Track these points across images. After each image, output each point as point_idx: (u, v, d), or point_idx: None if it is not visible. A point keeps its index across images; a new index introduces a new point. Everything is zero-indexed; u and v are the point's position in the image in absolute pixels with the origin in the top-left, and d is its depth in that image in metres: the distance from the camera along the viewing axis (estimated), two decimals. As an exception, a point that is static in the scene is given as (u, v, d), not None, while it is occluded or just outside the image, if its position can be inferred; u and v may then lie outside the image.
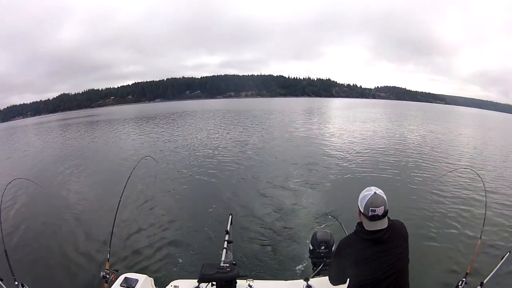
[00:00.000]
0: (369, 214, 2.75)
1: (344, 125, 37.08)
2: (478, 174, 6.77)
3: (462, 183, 12.00)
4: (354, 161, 16.90)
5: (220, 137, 27.43)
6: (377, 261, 2.78)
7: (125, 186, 5.70)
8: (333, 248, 4.80)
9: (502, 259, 4.06)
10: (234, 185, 13.27)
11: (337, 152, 19.43)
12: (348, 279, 3.08)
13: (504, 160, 18.17)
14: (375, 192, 2.79)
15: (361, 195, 2.87)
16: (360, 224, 2.90)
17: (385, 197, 2.79)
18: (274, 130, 32.84)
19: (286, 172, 15.08)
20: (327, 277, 3.98)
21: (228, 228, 4.60)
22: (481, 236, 4.51)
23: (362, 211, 2.82)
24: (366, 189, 2.89)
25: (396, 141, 24.56)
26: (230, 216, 4.87)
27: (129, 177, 5.96)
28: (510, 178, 13.99)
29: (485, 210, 5.09)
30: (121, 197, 5.48)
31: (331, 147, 21.55)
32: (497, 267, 3.96)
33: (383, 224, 2.79)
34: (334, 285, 3.26)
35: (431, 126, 37.85)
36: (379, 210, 2.74)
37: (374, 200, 2.75)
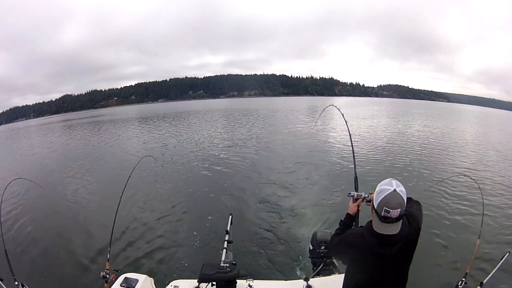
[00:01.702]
0: (382, 214, 2.40)
1: (344, 124, 36.89)
2: (473, 179, 6.75)
3: (459, 184, 11.80)
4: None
5: (221, 137, 27.42)
6: (378, 273, 2.61)
7: (125, 186, 5.70)
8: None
9: (501, 259, 4.04)
10: (234, 185, 13.24)
11: (337, 152, 19.24)
12: (344, 275, 2.96)
13: (502, 161, 17.96)
14: (394, 190, 2.39)
15: (378, 187, 2.50)
16: (369, 230, 2.57)
17: (404, 198, 2.41)
18: (276, 129, 32.77)
19: (287, 171, 15.07)
20: (327, 277, 3.98)
21: (228, 228, 4.59)
22: (479, 236, 4.49)
23: (375, 206, 2.47)
24: (386, 181, 2.51)
25: (396, 140, 24.28)
26: (230, 216, 4.85)
27: (129, 176, 5.96)
28: (508, 178, 13.84)
29: (483, 210, 5.08)
30: (121, 197, 5.49)
31: (331, 147, 21.44)
32: (497, 267, 3.95)
33: (394, 228, 2.45)
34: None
35: (432, 126, 37.45)
36: (394, 213, 2.37)
37: (391, 199, 2.37)
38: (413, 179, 13.10)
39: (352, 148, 4.72)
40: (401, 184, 2.46)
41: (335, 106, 6.01)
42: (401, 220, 2.47)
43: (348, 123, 5.13)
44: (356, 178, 3.93)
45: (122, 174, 12.75)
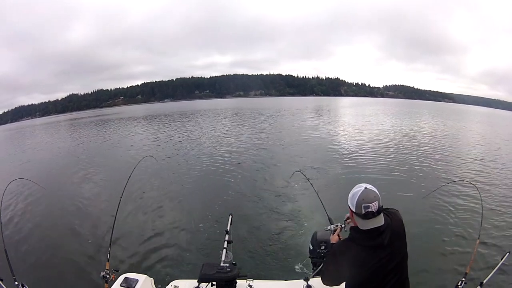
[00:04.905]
0: (363, 212, 2.51)
1: (347, 125, 36.91)
2: (471, 181, 6.78)
3: (458, 185, 11.62)
4: (356, 162, 16.80)
5: (222, 137, 27.41)
6: (377, 268, 2.58)
7: (125, 186, 5.75)
8: (332, 249, 4.83)
9: (501, 259, 4.04)
10: (234, 185, 13.32)
11: (338, 153, 19.32)
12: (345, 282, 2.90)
13: (501, 162, 17.80)
14: (365, 188, 2.55)
15: (350, 194, 2.63)
16: (355, 230, 2.66)
17: (377, 192, 2.55)
18: (278, 129, 32.83)
19: (287, 171, 14.74)
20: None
21: (228, 228, 4.57)
22: (479, 236, 4.48)
23: (354, 210, 2.57)
24: (355, 186, 2.64)
25: (398, 143, 23.93)
26: (230, 216, 4.84)
27: (130, 177, 5.99)
28: (507, 179, 13.76)
29: (482, 211, 5.06)
30: (121, 197, 5.54)
31: (333, 148, 21.38)
32: (497, 267, 3.93)
33: (379, 221, 2.56)
34: (328, 285, 3.15)
35: (433, 127, 37.14)
36: (373, 206, 2.49)
37: (366, 196, 2.52)
38: (410, 185, 12.89)
39: (317, 194, 5.76)
40: (369, 184, 2.60)
41: (301, 172, 7.18)
42: (381, 213, 2.58)
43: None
44: (330, 219, 4.53)
45: (122, 174, 12.72)
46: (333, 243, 3.36)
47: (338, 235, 3.41)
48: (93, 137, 35.53)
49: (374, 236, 2.55)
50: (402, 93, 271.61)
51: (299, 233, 8.65)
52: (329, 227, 3.70)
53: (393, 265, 2.62)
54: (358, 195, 2.54)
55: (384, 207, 2.65)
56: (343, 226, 3.46)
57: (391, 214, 2.72)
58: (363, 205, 2.50)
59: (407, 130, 32.10)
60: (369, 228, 2.55)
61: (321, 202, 4.75)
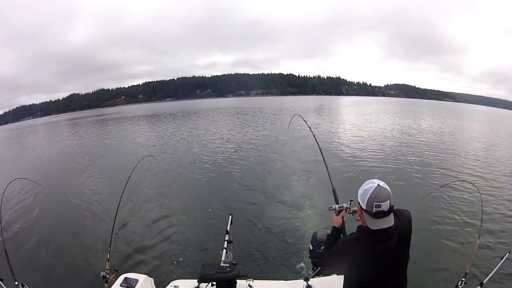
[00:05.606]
0: (374, 211, 2.41)
1: (347, 123, 36.81)
2: (471, 181, 6.74)
3: (457, 186, 11.56)
4: (356, 162, 16.71)
5: (223, 137, 27.23)
6: (378, 268, 2.56)
7: (125, 186, 5.73)
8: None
9: (502, 259, 4.03)
10: (234, 185, 13.26)
11: (338, 153, 19.13)
12: (343, 278, 2.86)
13: (501, 162, 17.70)
14: (378, 185, 2.44)
15: (361, 190, 2.53)
16: (363, 231, 2.58)
17: (389, 190, 2.46)
18: (279, 128, 32.64)
19: (288, 171, 15.01)
20: (327, 277, 3.95)
21: (228, 228, 4.55)
22: (479, 236, 4.47)
23: (364, 207, 2.47)
24: (366, 182, 2.54)
25: (398, 142, 23.72)
26: (230, 216, 4.82)
27: (130, 176, 5.98)
28: (507, 179, 13.67)
29: (482, 211, 5.04)
30: (121, 197, 5.52)
31: (334, 147, 21.19)
32: (497, 267, 3.92)
33: (389, 221, 2.46)
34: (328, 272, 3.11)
35: (433, 126, 37.09)
36: (385, 205, 2.40)
37: (378, 194, 2.41)
38: (410, 185, 12.73)
39: (325, 162, 5.25)
40: (382, 181, 2.50)
41: (300, 115, 7.02)
42: (392, 213, 2.49)
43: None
44: (334, 191, 4.26)
45: (122, 174, 12.71)
46: (334, 227, 3.23)
47: (342, 218, 3.26)
48: (94, 137, 35.53)
49: (382, 240, 2.50)
50: (404, 92, 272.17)
51: (299, 233, 8.61)
52: (333, 207, 3.39)
53: (394, 266, 2.61)
54: (370, 192, 2.44)
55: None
56: (349, 206, 3.26)
57: (401, 215, 2.64)
58: (374, 203, 2.41)
59: (407, 128, 31.98)
60: (378, 228, 2.47)
61: (330, 180, 4.63)
